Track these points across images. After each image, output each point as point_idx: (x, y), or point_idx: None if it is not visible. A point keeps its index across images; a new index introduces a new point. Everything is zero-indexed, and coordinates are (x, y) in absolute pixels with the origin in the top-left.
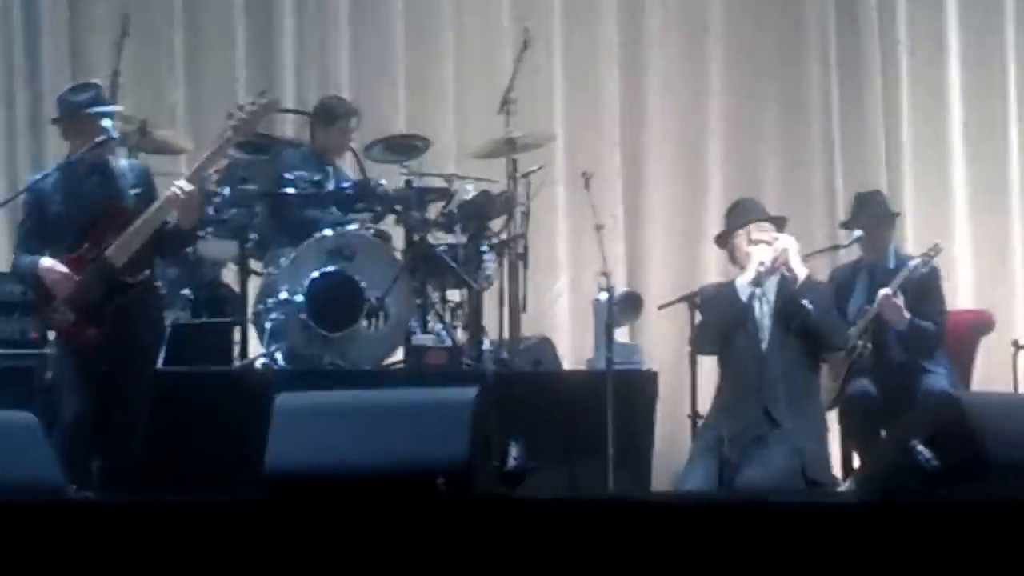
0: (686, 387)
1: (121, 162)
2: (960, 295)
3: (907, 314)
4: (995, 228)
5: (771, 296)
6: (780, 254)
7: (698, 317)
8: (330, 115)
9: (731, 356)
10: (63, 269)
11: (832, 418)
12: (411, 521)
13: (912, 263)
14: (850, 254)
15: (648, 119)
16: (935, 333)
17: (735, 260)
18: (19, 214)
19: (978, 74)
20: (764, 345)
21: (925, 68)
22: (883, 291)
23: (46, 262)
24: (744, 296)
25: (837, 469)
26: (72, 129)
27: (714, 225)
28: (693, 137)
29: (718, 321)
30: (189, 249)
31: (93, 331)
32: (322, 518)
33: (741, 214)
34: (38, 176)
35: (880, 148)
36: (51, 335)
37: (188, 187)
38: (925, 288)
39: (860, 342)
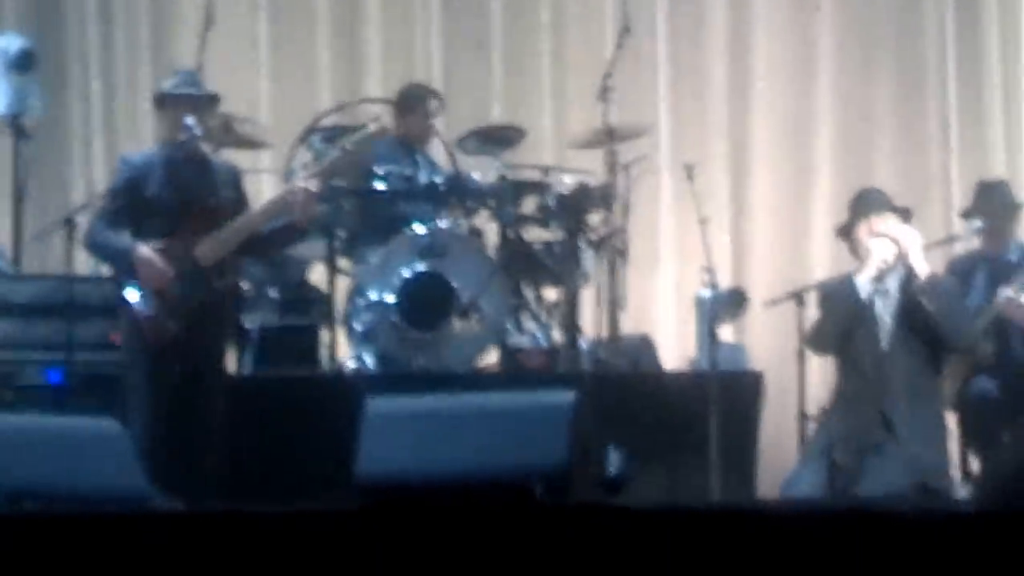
0: (793, 387)
1: (216, 159)
2: None
3: None
4: None
5: (893, 293)
6: (903, 249)
7: (806, 314)
8: (409, 100)
9: (849, 356)
10: (161, 264)
11: (951, 418)
12: (507, 530)
13: None
14: (966, 244)
15: (755, 104)
16: None
17: (856, 253)
18: None
19: None
20: (884, 345)
21: None
22: (1006, 293)
23: (144, 251)
24: (864, 293)
25: (955, 472)
26: (160, 115)
27: (823, 216)
28: (802, 122)
29: (837, 320)
30: None
31: (171, 327)
32: (416, 527)
33: (864, 205)
34: (136, 154)
35: (999, 133)
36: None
37: (305, 185)
38: None
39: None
